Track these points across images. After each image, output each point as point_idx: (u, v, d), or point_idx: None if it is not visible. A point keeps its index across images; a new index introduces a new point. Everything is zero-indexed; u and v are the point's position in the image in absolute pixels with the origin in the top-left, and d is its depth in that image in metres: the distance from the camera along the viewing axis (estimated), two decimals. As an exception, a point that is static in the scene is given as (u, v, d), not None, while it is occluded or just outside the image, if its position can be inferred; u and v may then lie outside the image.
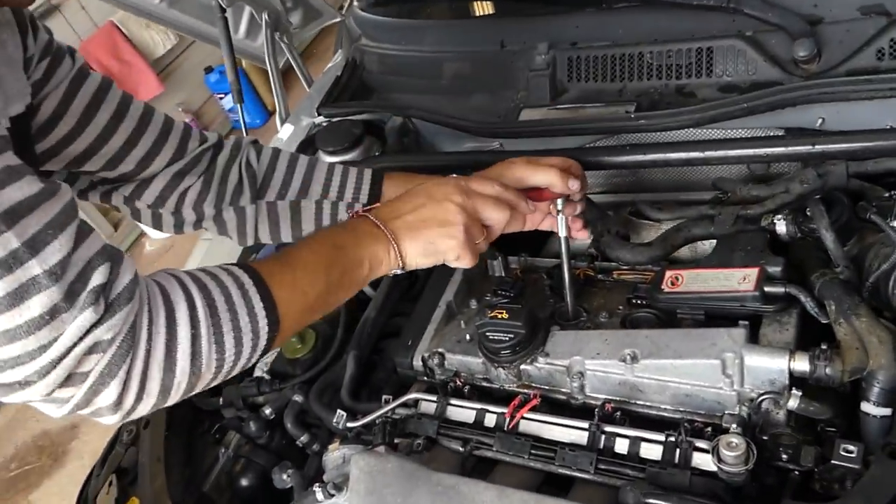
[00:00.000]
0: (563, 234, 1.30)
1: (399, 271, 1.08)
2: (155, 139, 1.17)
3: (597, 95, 1.49)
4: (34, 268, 0.70)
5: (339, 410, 1.29)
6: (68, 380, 0.75)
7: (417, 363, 1.37)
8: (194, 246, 1.92)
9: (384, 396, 1.33)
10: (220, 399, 1.45)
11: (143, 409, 0.82)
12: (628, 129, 1.35)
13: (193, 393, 0.87)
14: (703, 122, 1.26)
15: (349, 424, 1.27)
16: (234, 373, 0.91)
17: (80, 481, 1.48)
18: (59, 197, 0.76)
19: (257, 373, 1.61)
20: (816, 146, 1.13)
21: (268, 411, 1.39)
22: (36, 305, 0.70)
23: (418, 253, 1.08)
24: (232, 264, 0.94)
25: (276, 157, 1.29)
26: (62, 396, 0.76)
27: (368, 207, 1.10)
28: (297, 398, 1.36)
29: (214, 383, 0.89)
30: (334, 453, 1.25)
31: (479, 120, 1.59)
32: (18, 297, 0.69)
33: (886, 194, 1.17)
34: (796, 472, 1.05)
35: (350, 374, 1.38)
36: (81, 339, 0.73)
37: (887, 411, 1.01)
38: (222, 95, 5.43)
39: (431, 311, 1.45)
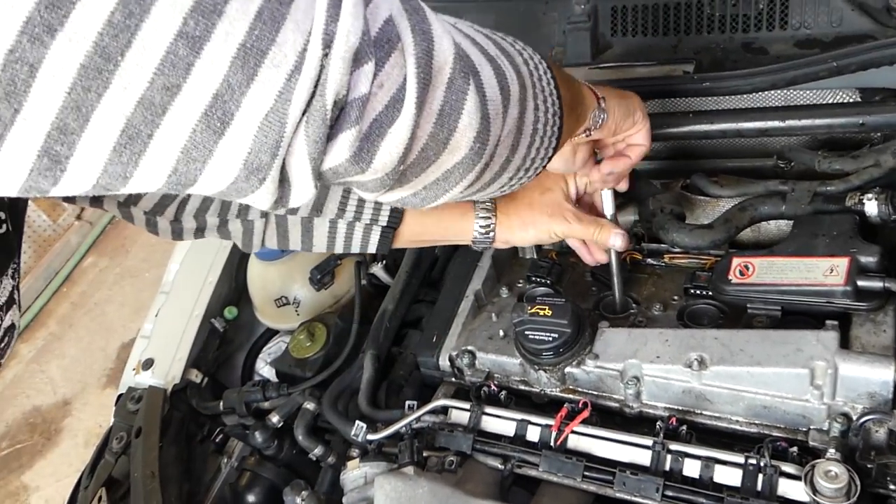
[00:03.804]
0: (609, 212, 1.13)
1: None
2: None
3: (646, 52, 1.29)
4: None
5: (357, 421, 1.13)
6: None
7: (444, 362, 1.21)
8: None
9: (408, 402, 1.16)
10: (221, 404, 1.29)
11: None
12: (688, 93, 1.16)
13: None
14: (781, 84, 1.07)
15: (370, 437, 1.12)
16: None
17: (74, 462, 1.33)
18: None
19: (261, 369, 1.45)
20: (926, 113, 0.95)
21: (275, 419, 1.22)
22: None
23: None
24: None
25: None
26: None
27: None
28: (309, 405, 1.20)
29: None
30: (354, 471, 1.09)
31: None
32: None
33: None
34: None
35: (368, 377, 1.22)
36: None
37: None
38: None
39: (456, 301, 1.28)
